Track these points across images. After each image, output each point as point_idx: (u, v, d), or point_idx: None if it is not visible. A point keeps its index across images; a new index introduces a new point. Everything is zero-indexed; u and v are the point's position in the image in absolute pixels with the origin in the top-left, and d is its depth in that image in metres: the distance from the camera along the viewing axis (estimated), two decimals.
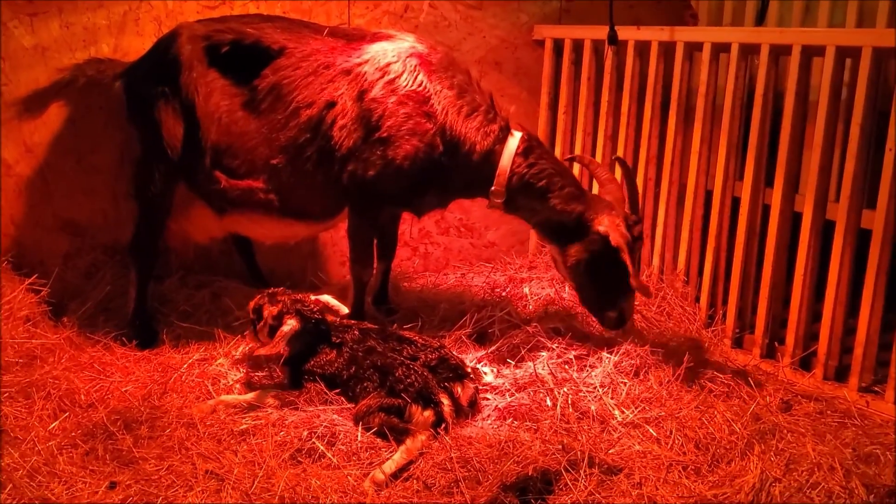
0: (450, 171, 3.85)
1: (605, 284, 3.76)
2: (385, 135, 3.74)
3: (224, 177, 3.88)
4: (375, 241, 4.18)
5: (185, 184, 4.03)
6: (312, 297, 3.52)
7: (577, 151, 4.87)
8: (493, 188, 3.83)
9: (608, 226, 3.66)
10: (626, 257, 3.60)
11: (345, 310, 3.54)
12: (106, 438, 3.10)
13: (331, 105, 3.76)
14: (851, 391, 3.65)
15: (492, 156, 3.82)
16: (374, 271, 4.16)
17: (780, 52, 3.95)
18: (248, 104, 3.86)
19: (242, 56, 3.87)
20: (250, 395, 3.39)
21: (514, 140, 3.83)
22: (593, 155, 4.82)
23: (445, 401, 3.24)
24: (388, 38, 3.92)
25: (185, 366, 3.68)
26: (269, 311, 3.47)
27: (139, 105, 3.99)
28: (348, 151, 3.78)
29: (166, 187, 3.99)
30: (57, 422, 3.20)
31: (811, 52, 3.81)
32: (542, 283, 4.49)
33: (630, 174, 3.92)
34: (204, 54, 3.88)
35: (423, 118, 3.77)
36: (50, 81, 4.18)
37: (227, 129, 3.87)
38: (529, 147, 3.85)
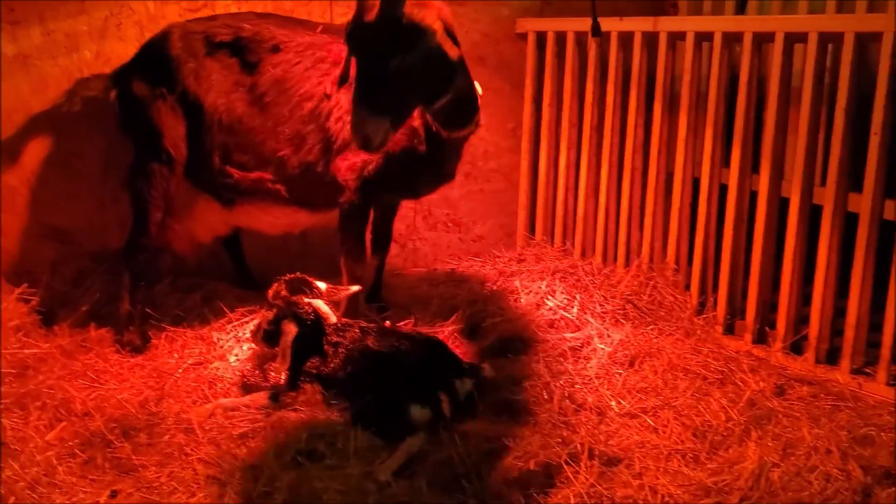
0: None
1: None
2: None
3: (236, 171, 3.89)
4: (370, 236, 4.19)
5: (190, 180, 4.05)
6: (306, 300, 3.51)
7: (563, 143, 4.89)
8: None
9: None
10: None
11: (333, 318, 3.53)
12: (104, 447, 3.09)
13: (327, 97, 3.78)
14: (843, 374, 3.67)
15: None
16: (367, 265, 4.17)
17: (762, 40, 3.97)
18: (251, 99, 3.89)
19: (241, 52, 3.90)
20: (247, 398, 3.39)
21: None
22: (579, 147, 4.84)
23: (443, 397, 3.25)
24: None
25: (181, 370, 3.67)
26: (265, 315, 3.46)
27: (134, 109, 3.97)
28: (343, 143, 3.80)
29: (167, 188, 3.99)
30: (54, 432, 3.18)
31: (793, 39, 3.84)
32: (533, 275, 4.50)
33: None
34: (201, 51, 3.92)
35: None
36: (41, 103, 4.20)
37: (234, 125, 3.91)
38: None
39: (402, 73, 3.06)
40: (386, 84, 3.07)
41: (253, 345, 3.68)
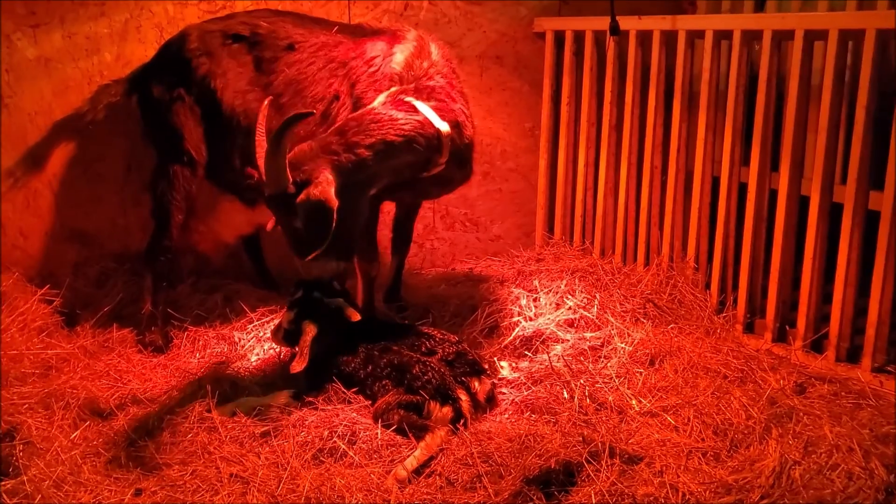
0: None
1: None
2: None
3: (256, 172, 3.92)
4: (390, 235, 4.21)
5: (212, 181, 4.07)
6: (327, 300, 3.53)
7: (582, 142, 4.89)
8: None
9: None
10: None
11: (356, 317, 3.55)
12: (128, 446, 3.12)
13: (336, 98, 3.79)
14: (864, 372, 3.65)
15: None
16: (387, 266, 4.18)
17: (782, 38, 3.96)
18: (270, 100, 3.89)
19: (257, 49, 3.92)
20: (269, 397, 3.41)
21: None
22: (598, 146, 4.83)
23: (463, 396, 3.26)
24: (385, 34, 3.93)
25: (203, 370, 3.70)
26: (286, 315, 3.48)
27: (154, 111, 4.01)
28: None
29: (189, 189, 4.01)
30: (78, 431, 3.21)
31: (813, 37, 3.82)
32: (552, 275, 4.50)
33: None
34: (217, 50, 3.93)
35: None
36: (63, 105, 4.24)
37: (252, 125, 3.87)
38: None
39: (313, 229, 3.27)
40: (303, 238, 3.31)
41: (273, 344, 3.71)
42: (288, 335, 3.49)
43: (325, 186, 3.24)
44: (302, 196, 3.22)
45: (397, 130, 3.44)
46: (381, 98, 3.58)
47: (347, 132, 3.38)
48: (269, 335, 3.74)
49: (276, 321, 3.68)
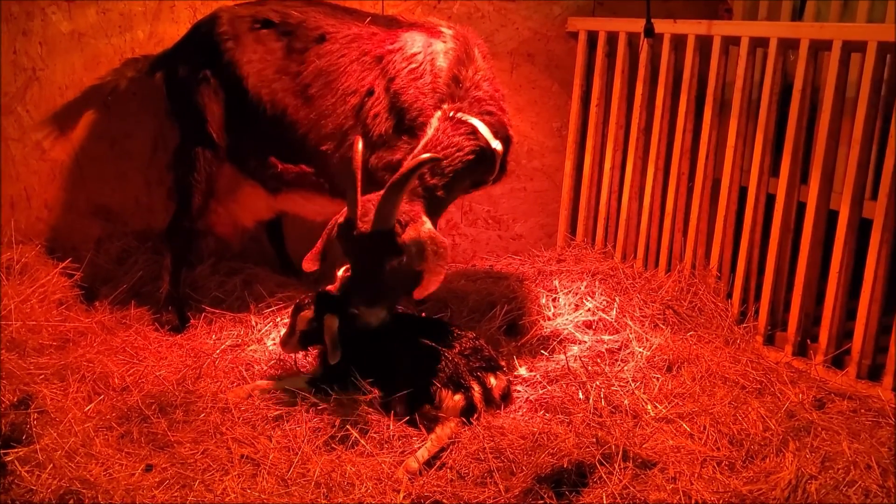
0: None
1: None
2: (408, 124, 3.73)
3: (279, 162, 3.91)
4: None
5: (235, 165, 4.06)
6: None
7: (609, 145, 4.85)
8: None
9: None
10: None
11: None
12: (141, 422, 3.13)
13: (370, 93, 3.77)
14: (886, 390, 3.60)
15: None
16: None
17: (819, 48, 3.91)
18: (295, 89, 3.88)
19: (287, 38, 3.90)
20: (284, 381, 3.40)
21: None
22: (625, 149, 4.80)
23: (476, 387, 3.25)
24: (420, 27, 3.91)
25: (219, 351, 3.70)
26: (302, 316, 3.41)
27: (180, 92, 4.01)
28: (378, 138, 3.79)
29: (210, 171, 4.01)
30: (92, 404, 3.22)
31: (851, 48, 3.77)
32: (572, 276, 4.47)
33: None
34: (247, 35, 3.92)
35: None
36: (93, 80, 4.25)
37: (278, 115, 3.90)
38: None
39: (395, 273, 3.25)
40: (380, 282, 3.27)
41: (284, 352, 3.63)
42: (305, 336, 3.42)
43: (431, 226, 3.32)
44: (412, 235, 3.25)
45: (463, 159, 3.51)
46: (435, 122, 3.58)
47: (424, 174, 3.41)
48: (280, 346, 3.59)
49: (282, 331, 3.60)
